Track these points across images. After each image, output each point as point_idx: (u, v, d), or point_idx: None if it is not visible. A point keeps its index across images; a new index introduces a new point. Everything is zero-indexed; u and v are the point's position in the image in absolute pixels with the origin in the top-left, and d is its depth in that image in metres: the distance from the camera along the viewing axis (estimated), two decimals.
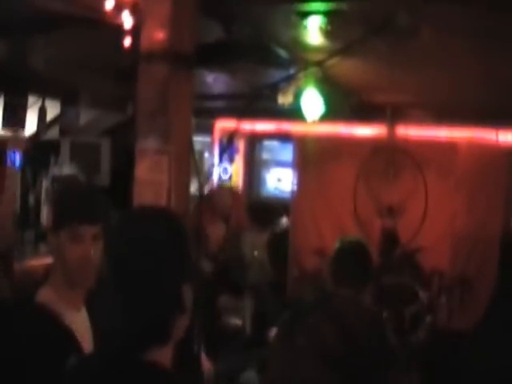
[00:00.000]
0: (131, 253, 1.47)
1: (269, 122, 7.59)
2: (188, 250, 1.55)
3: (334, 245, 7.06)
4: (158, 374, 1.45)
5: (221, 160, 7.85)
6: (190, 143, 3.99)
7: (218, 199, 5.19)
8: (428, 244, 6.60)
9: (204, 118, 7.15)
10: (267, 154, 8.38)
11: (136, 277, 1.46)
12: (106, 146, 7.72)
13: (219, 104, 7.48)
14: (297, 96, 5.38)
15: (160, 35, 3.61)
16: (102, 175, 7.59)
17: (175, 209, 3.72)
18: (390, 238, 6.42)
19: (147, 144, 3.78)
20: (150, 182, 3.81)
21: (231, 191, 5.87)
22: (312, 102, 5.24)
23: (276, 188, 8.35)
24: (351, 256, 3.44)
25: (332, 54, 4.32)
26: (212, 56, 4.28)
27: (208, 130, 7.95)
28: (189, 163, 3.98)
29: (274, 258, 6.93)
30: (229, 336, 4.67)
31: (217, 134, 8.02)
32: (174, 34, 3.64)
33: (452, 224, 6.57)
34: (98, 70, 5.76)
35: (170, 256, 1.48)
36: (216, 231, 4.93)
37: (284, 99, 5.28)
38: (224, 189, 5.95)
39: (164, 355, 1.48)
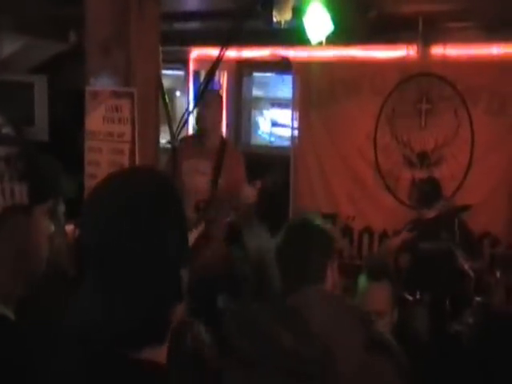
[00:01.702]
0: (118, 230, 1.49)
1: (260, 47, 7.37)
2: (185, 222, 1.61)
3: (348, 207, 7.43)
4: (155, 375, 1.51)
5: (198, 101, 7.67)
6: (158, 82, 3.87)
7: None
8: (475, 201, 6.46)
9: (175, 44, 6.97)
10: (259, 91, 8.24)
11: (125, 262, 1.49)
12: (40, 87, 7.43)
13: (194, 26, 7.28)
14: (297, 12, 5.22)
15: None
16: (38, 127, 7.34)
17: None
18: (429, 191, 6.26)
19: (100, 84, 3.66)
20: (106, 134, 3.72)
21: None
22: (317, 18, 5.12)
23: (271, 135, 8.29)
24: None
25: None
26: None
27: (180, 60, 7.81)
28: (157, 108, 3.88)
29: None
30: None
31: (192, 66, 7.89)
32: None
33: (508, 173, 6.43)
34: None
35: (168, 231, 1.53)
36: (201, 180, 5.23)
37: (281, 16, 5.10)
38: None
39: (160, 353, 1.55)
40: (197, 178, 5.36)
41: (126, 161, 3.63)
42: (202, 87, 5.61)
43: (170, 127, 4.31)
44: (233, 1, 5.37)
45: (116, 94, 3.65)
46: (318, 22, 5.15)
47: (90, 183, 3.73)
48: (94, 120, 3.72)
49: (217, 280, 4.87)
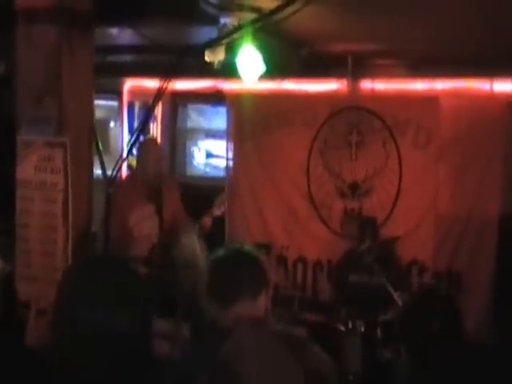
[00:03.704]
0: None
1: (195, 79, 7.38)
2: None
3: (282, 237, 7.41)
4: None
5: (132, 130, 7.64)
6: (92, 130, 3.85)
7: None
8: (404, 230, 6.63)
9: (108, 75, 6.89)
10: (194, 122, 8.20)
11: None
12: None
13: (128, 58, 7.24)
14: (230, 51, 5.21)
15: None
16: None
17: (74, 217, 3.58)
18: (371, 228, 6.30)
19: (33, 134, 3.64)
20: (38, 184, 3.67)
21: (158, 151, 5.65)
22: (249, 59, 5.06)
23: (206, 165, 8.24)
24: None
25: None
26: (116, 11, 4.05)
27: (114, 91, 7.74)
28: (90, 157, 3.88)
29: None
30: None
31: (126, 97, 7.80)
32: None
33: (434, 203, 6.59)
34: None
35: None
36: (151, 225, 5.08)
37: (213, 57, 5.11)
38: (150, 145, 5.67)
39: None
40: (146, 225, 5.20)
41: (59, 210, 3.60)
42: (140, 122, 5.52)
43: (105, 175, 4.16)
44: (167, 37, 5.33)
45: (48, 144, 3.61)
46: (250, 64, 5.10)
47: (21, 232, 3.66)
48: (26, 169, 3.68)
49: None
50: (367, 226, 6.17)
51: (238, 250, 2.80)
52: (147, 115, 6.01)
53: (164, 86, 4.76)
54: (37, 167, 3.64)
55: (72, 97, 3.60)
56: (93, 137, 3.83)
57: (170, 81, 4.76)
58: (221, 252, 2.80)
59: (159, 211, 5.24)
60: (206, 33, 5.22)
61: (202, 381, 2.12)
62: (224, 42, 4.88)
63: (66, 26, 3.51)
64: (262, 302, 2.61)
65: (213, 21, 4.86)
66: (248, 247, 2.87)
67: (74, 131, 3.62)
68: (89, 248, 3.71)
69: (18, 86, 3.67)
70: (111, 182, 4.03)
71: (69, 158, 3.57)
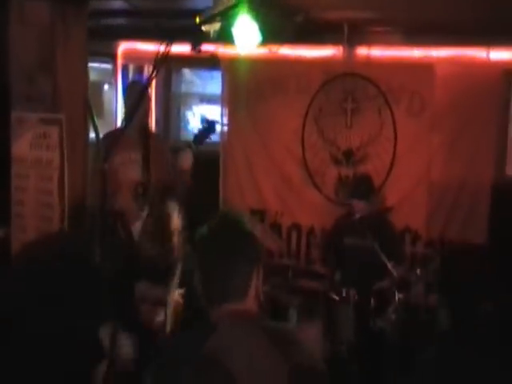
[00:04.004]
0: None
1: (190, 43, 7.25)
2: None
3: (277, 204, 7.40)
4: None
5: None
6: (87, 106, 3.82)
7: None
8: (397, 197, 6.65)
9: (102, 39, 6.83)
10: (188, 87, 8.16)
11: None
12: None
13: (122, 21, 7.14)
14: (226, 19, 5.14)
15: None
16: None
17: (70, 194, 3.58)
18: (367, 184, 6.22)
19: (27, 111, 3.63)
20: (34, 161, 3.66)
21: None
22: (245, 29, 5.01)
23: None
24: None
25: None
26: None
27: (108, 54, 7.65)
28: (86, 132, 3.88)
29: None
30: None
31: (120, 59, 7.71)
32: None
33: (428, 171, 6.62)
34: None
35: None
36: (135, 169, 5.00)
37: (209, 27, 5.04)
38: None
39: None
40: (131, 168, 5.18)
41: (54, 187, 3.59)
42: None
43: (98, 146, 4.11)
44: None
45: (44, 121, 3.58)
46: (246, 34, 5.05)
47: (17, 209, 3.66)
48: (22, 146, 3.65)
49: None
50: (362, 183, 6.10)
51: (226, 228, 2.56)
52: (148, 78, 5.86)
53: (165, 51, 4.67)
54: (32, 144, 3.62)
55: (66, 74, 3.58)
56: (88, 113, 3.78)
57: (171, 45, 4.68)
58: (207, 232, 2.56)
59: (145, 163, 5.20)
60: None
61: (186, 373, 2.14)
62: (219, 11, 4.80)
63: (59, 2, 3.45)
64: (253, 293, 2.47)
65: None
66: (236, 218, 2.64)
67: (69, 108, 3.60)
68: (84, 225, 3.70)
69: (11, 64, 3.63)
70: (106, 157, 4.01)
71: (64, 135, 3.53)
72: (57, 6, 3.46)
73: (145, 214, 5.08)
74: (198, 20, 4.78)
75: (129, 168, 5.12)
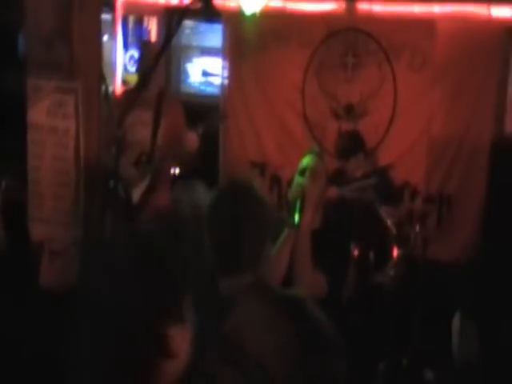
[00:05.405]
0: None
1: None
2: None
3: (277, 157, 7.43)
4: None
5: (126, 46, 7.57)
6: (102, 76, 3.78)
7: None
8: (397, 153, 6.71)
9: None
10: (189, 39, 8.07)
11: None
12: None
13: None
14: None
15: None
16: None
17: (85, 162, 3.62)
18: (352, 142, 6.28)
19: (43, 79, 3.60)
20: (50, 129, 3.67)
21: None
22: None
23: (201, 83, 8.16)
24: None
25: None
26: None
27: (107, 4, 7.50)
28: (100, 101, 3.79)
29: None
30: None
31: (120, 10, 7.63)
32: None
33: (428, 127, 6.67)
34: None
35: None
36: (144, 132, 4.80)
37: None
38: None
39: None
40: (140, 130, 5.16)
41: (71, 156, 3.61)
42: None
43: (112, 120, 4.08)
44: None
45: (60, 89, 3.58)
46: None
47: (33, 176, 3.68)
48: (38, 113, 3.64)
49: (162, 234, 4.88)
50: (353, 143, 6.00)
51: (237, 196, 2.52)
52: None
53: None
54: (48, 112, 3.62)
55: (82, 42, 3.55)
56: (102, 83, 3.79)
57: None
58: (218, 200, 2.55)
59: (155, 127, 5.18)
60: None
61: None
62: None
63: None
64: (266, 262, 2.49)
65: None
66: (248, 184, 2.63)
67: (85, 77, 3.58)
68: (99, 191, 3.74)
69: (27, 32, 3.63)
70: (120, 123, 4.02)
71: (80, 104, 3.55)
72: None
73: (144, 184, 5.11)
74: None
75: (138, 130, 5.09)
